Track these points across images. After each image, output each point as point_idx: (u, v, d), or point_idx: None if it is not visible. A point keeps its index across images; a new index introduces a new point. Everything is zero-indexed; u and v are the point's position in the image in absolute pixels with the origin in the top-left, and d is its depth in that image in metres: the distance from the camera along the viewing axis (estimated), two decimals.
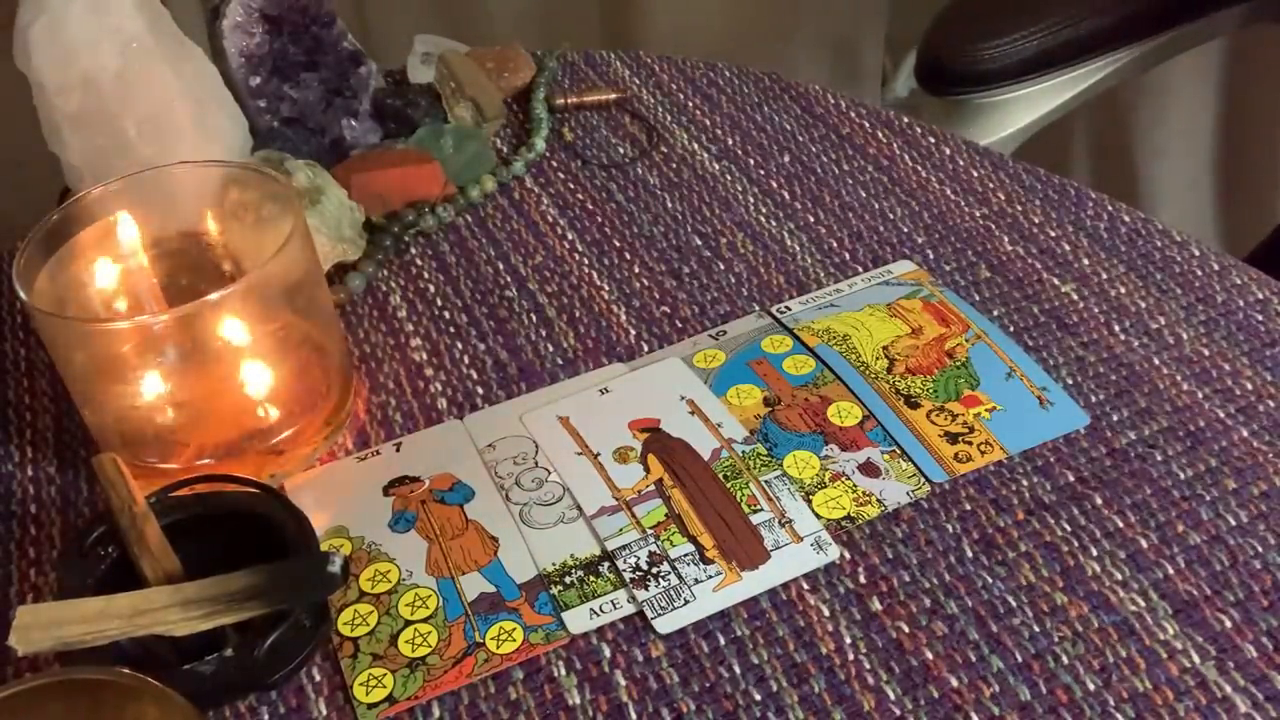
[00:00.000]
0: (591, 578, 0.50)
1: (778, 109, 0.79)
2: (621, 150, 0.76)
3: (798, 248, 0.67)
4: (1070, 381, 0.57)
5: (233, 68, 0.71)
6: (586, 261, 0.67)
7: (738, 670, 0.46)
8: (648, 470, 0.54)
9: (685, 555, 0.50)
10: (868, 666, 0.46)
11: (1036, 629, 0.46)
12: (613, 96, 0.80)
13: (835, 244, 0.67)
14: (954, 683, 0.45)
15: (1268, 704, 0.43)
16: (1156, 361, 0.57)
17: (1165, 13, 1.03)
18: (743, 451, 0.54)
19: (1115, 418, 0.55)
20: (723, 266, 0.66)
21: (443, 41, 0.83)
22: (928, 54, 1.04)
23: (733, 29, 1.34)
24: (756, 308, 0.63)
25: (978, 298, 0.62)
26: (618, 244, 0.68)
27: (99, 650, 0.43)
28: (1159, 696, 0.44)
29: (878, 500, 0.52)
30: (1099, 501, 0.51)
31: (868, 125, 0.76)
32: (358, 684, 0.47)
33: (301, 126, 0.73)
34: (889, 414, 0.55)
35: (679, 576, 0.49)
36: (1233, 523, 0.50)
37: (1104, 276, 0.62)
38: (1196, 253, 0.63)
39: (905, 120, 0.76)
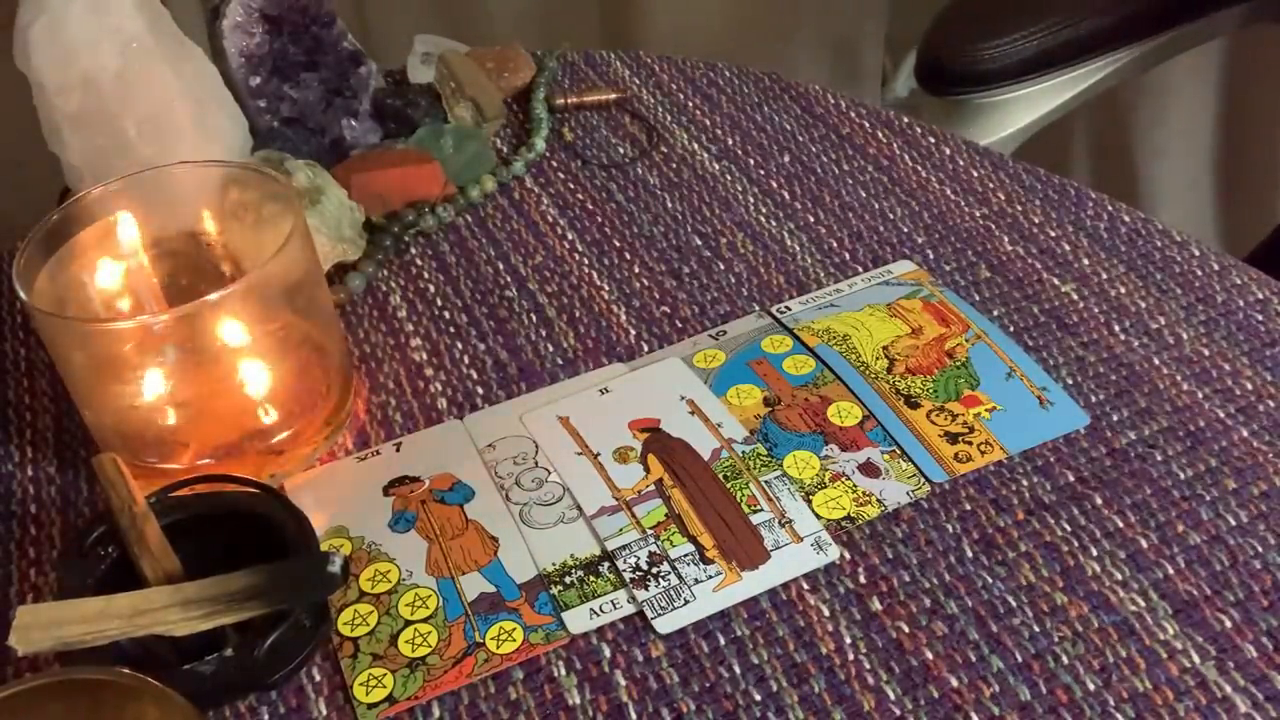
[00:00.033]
0: (591, 578, 0.50)
1: (778, 109, 0.79)
2: (621, 150, 0.76)
3: (798, 248, 0.67)
4: (1070, 381, 0.57)
5: (233, 68, 0.71)
6: (586, 261, 0.67)
7: (738, 670, 0.46)
8: (648, 470, 0.54)
9: (685, 555, 0.50)
10: (868, 666, 0.46)
11: (1036, 629, 0.46)
12: (613, 96, 0.80)
13: (835, 244, 0.67)
14: (954, 683, 0.45)
15: (1268, 704, 0.43)
16: (1156, 361, 0.57)
17: (1165, 13, 1.03)
18: (743, 451, 0.54)
19: (1115, 418, 0.55)
20: (723, 266, 0.66)
21: (443, 41, 0.83)
22: (928, 54, 1.04)
23: (733, 29, 1.34)
24: (756, 308, 0.63)
25: (978, 298, 0.62)
26: (618, 244, 0.68)
27: (99, 650, 0.43)
28: (1159, 696, 0.44)
29: (878, 500, 0.52)
30: (1099, 501, 0.51)
31: (868, 125, 0.76)
32: (358, 684, 0.47)
33: (301, 126, 0.73)
34: (889, 414, 0.55)
35: (679, 576, 0.49)
36: (1233, 523, 0.50)
37: (1104, 276, 0.62)
38: (1196, 253, 0.63)
39: (905, 120, 0.76)
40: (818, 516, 0.51)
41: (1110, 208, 0.67)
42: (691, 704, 0.45)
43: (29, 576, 0.53)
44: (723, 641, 0.47)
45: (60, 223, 0.55)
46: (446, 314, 0.65)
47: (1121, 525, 0.50)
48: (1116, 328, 0.59)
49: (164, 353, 0.53)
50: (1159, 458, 0.52)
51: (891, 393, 0.56)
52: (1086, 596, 0.47)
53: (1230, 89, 1.35)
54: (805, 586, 0.49)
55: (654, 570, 0.49)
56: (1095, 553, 0.49)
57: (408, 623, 0.49)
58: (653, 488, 0.53)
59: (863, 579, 0.49)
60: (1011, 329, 0.60)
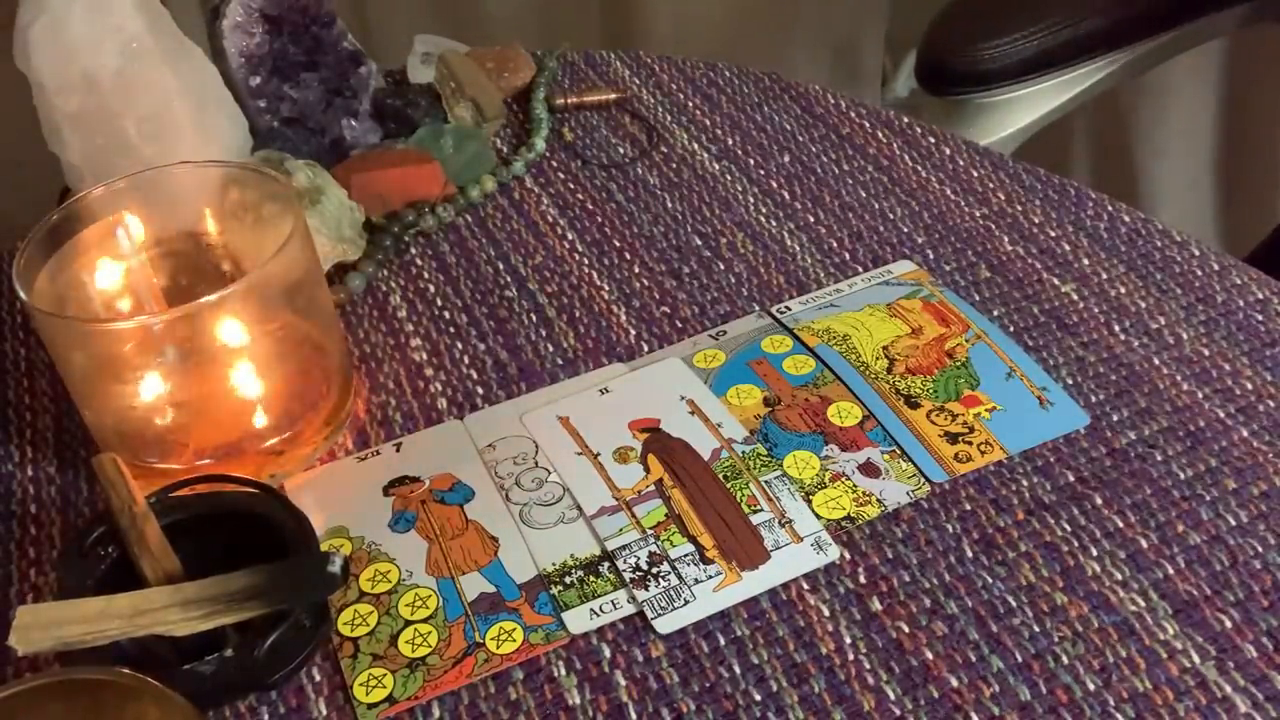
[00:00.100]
0: (591, 578, 0.50)
1: (778, 109, 0.79)
2: (621, 150, 0.76)
3: (798, 248, 0.67)
4: (1070, 381, 0.57)
5: (233, 68, 0.71)
6: (586, 261, 0.67)
7: (738, 670, 0.46)
8: (648, 470, 0.54)
9: (685, 555, 0.50)
10: (868, 666, 0.46)
11: (1036, 629, 0.46)
12: (613, 96, 0.80)
13: (835, 244, 0.67)
14: (954, 683, 0.45)
15: (1268, 704, 0.43)
16: (1156, 361, 0.57)
17: (1165, 13, 1.03)
18: (743, 451, 0.54)
19: (1115, 418, 0.55)
20: (723, 266, 0.66)
21: (443, 41, 0.83)
22: (928, 54, 1.04)
23: (733, 29, 1.34)
24: (756, 308, 0.63)
25: (978, 298, 0.62)
26: (618, 244, 0.68)
27: (99, 650, 0.43)
28: (1159, 696, 0.44)
29: (878, 500, 0.52)
30: (1099, 501, 0.51)
31: (868, 125, 0.76)
32: (358, 684, 0.47)
33: (301, 126, 0.73)
34: (889, 414, 0.55)
35: (679, 576, 0.49)
36: (1233, 523, 0.50)
37: (1104, 276, 0.62)
38: (1196, 253, 0.63)
39: (905, 120, 0.76)
40: (818, 516, 0.51)
41: (1110, 208, 0.67)
42: (691, 704, 0.45)
43: (29, 576, 0.53)
44: (723, 641, 0.47)
45: (60, 223, 0.55)
46: (446, 314, 0.65)
47: (1121, 525, 0.50)
48: (1116, 328, 0.59)
49: (164, 353, 0.53)
50: (1159, 458, 0.52)
51: (891, 393, 0.56)
52: (1086, 596, 0.47)
53: (1230, 89, 1.35)
54: (805, 586, 0.49)
55: (654, 570, 0.49)
56: (1095, 553, 0.49)
57: (408, 623, 0.49)
58: (653, 488, 0.53)
59: (863, 579, 0.49)
60: (1011, 329, 0.60)
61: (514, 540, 0.52)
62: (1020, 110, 1.04)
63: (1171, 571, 0.48)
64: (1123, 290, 0.61)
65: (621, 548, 0.50)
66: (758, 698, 0.45)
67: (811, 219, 0.69)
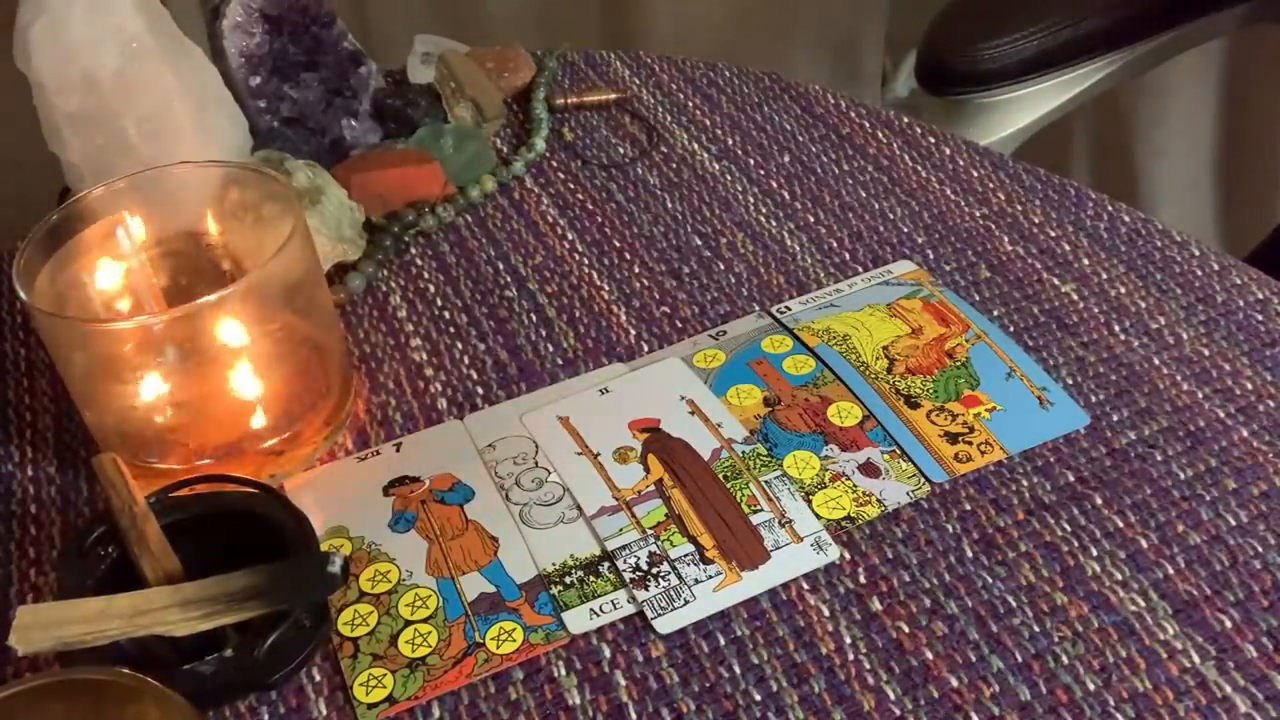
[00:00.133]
0: (591, 578, 0.50)
1: (778, 109, 0.79)
2: (621, 150, 0.76)
3: (798, 248, 0.67)
4: (1070, 381, 0.57)
5: (233, 68, 0.71)
6: (586, 261, 0.67)
7: (738, 670, 0.46)
8: (648, 470, 0.54)
9: (685, 555, 0.50)
10: (868, 666, 0.46)
11: (1036, 629, 0.46)
12: (613, 96, 0.80)
13: (835, 244, 0.67)
14: (954, 683, 0.45)
15: (1268, 704, 0.43)
16: (1156, 361, 0.57)
17: (1165, 13, 1.03)
18: (743, 451, 0.54)
19: (1115, 418, 0.55)
20: (723, 266, 0.66)
21: (443, 41, 0.83)
22: (928, 54, 1.04)
23: (733, 29, 1.34)
24: (756, 308, 0.63)
25: (978, 298, 0.62)
26: (618, 244, 0.68)
27: (99, 650, 0.43)
28: (1159, 696, 0.44)
29: (878, 500, 0.52)
30: (1099, 501, 0.51)
31: (868, 125, 0.76)
32: (358, 684, 0.47)
33: (301, 126, 0.73)
34: (889, 414, 0.55)
35: (679, 576, 0.49)
36: (1233, 523, 0.50)
37: (1104, 276, 0.62)
38: (1196, 253, 0.63)
39: (905, 120, 0.76)
40: (818, 516, 0.51)
41: (1110, 208, 0.67)
42: (691, 704, 0.45)
43: (29, 576, 0.53)
44: (723, 641, 0.47)
45: (60, 223, 0.55)
46: (446, 314, 0.65)
47: (1121, 525, 0.50)
48: (1116, 328, 0.59)
49: (164, 353, 0.53)
50: (1159, 458, 0.52)
51: (891, 393, 0.56)
52: (1086, 596, 0.47)
53: (1230, 89, 1.35)
54: (805, 586, 0.49)
55: (654, 570, 0.49)
56: (1095, 553, 0.49)
57: (408, 623, 0.49)
58: (653, 488, 0.53)
59: (863, 579, 0.49)
60: (1011, 329, 0.60)
61: (514, 540, 0.52)
62: (1020, 110, 1.04)
63: (1171, 571, 0.48)
64: (1123, 290, 0.61)
65: (621, 548, 0.51)
66: (758, 698, 0.45)
67: (811, 219, 0.69)
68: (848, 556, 0.50)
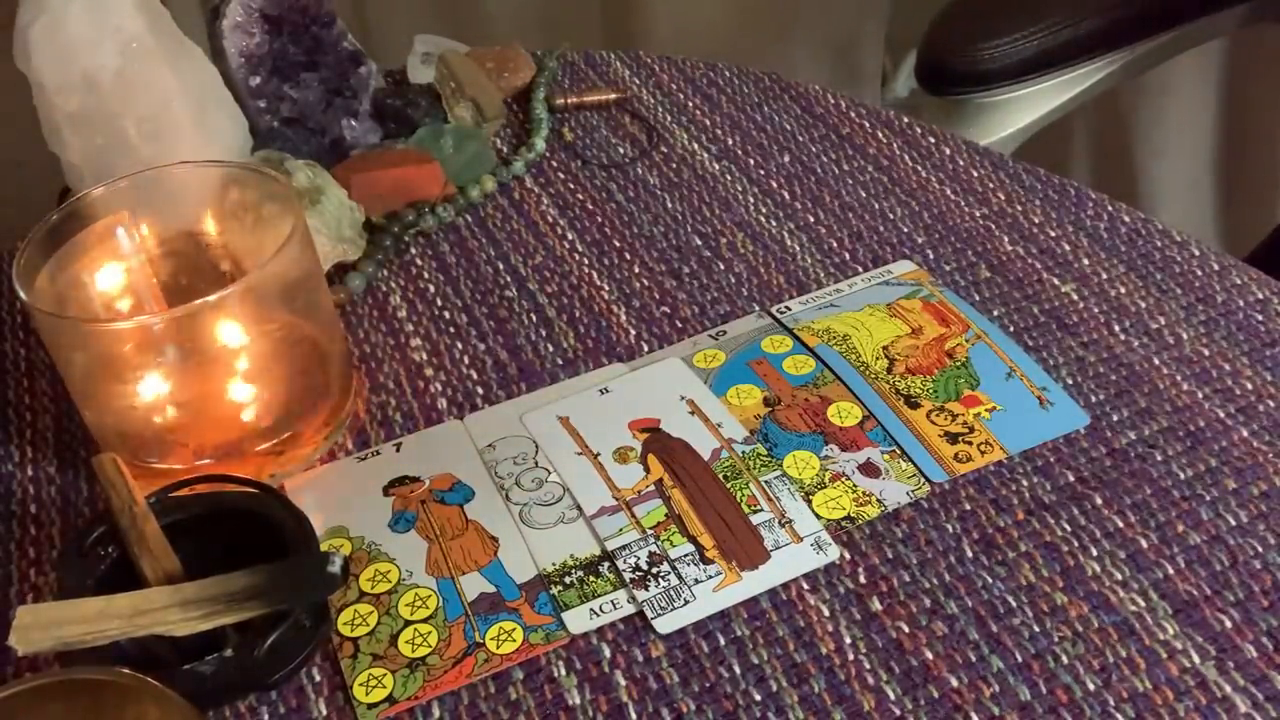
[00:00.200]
0: (591, 578, 0.50)
1: (778, 109, 0.79)
2: (621, 150, 0.76)
3: (798, 248, 0.67)
4: (1070, 381, 0.57)
5: (233, 68, 0.71)
6: (586, 261, 0.67)
7: (738, 670, 0.46)
8: (648, 470, 0.54)
9: (685, 555, 0.50)
10: (868, 666, 0.46)
11: (1036, 629, 0.46)
12: (613, 96, 0.80)
13: (835, 244, 0.67)
14: (954, 683, 0.45)
15: (1268, 704, 0.43)
16: (1156, 361, 0.57)
17: (1165, 13, 1.03)
18: (743, 451, 0.54)
19: (1115, 418, 0.55)
20: (723, 266, 0.66)
21: (443, 41, 0.83)
22: (928, 54, 1.04)
23: (733, 29, 1.34)
24: (756, 308, 0.63)
25: (978, 298, 0.62)
26: (618, 244, 0.68)
27: (99, 650, 0.43)
28: (1159, 696, 0.44)
29: (878, 500, 0.52)
30: (1099, 501, 0.51)
31: (868, 125, 0.76)
32: (358, 684, 0.47)
33: (301, 126, 0.73)
34: (889, 414, 0.55)
35: (679, 576, 0.49)
36: (1233, 523, 0.50)
37: (1104, 276, 0.62)
38: (1196, 253, 0.63)
39: (905, 120, 0.76)
40: (818, 516, 0.51)
41: (1110, 208, 0.67)
42: (691, 704, 0.45)
43: (29, 576, 0.53)
44: (723, 641, 0.47)
45: (60, 223, 0.55)
46: (446, 314, 0.65)
47: (1121, 525, 0.50)
48: (1116, 328, 0.59)
49: (164, 353, 0.53)
50: (1159, 458, 0.52)
51: (891, 393, 0.56)
52: (1086, 596, 0.47)
53: (1230, 89, 1.35)
54: (805, 586, 0.49)
55: (654, 570, 0.49)
56: (1095, 553, 0.49)
57: (408, 623, 0.49)
58: (653, 488, 0.53)
59: (863, 579, 0.49)
60: (1011, 329, 0.60)
61: (514, 540, 0.52)
62: (1020, 110, 1.04)
63: (1171, 571, 0.48)
64: (1123, 290, 0.61)
65: (621, 548, 0.50)
66: (758, 698, 0.45)
67: (811, 219, 0.69)
68: (848, 556, 0.50)
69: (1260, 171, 1.38)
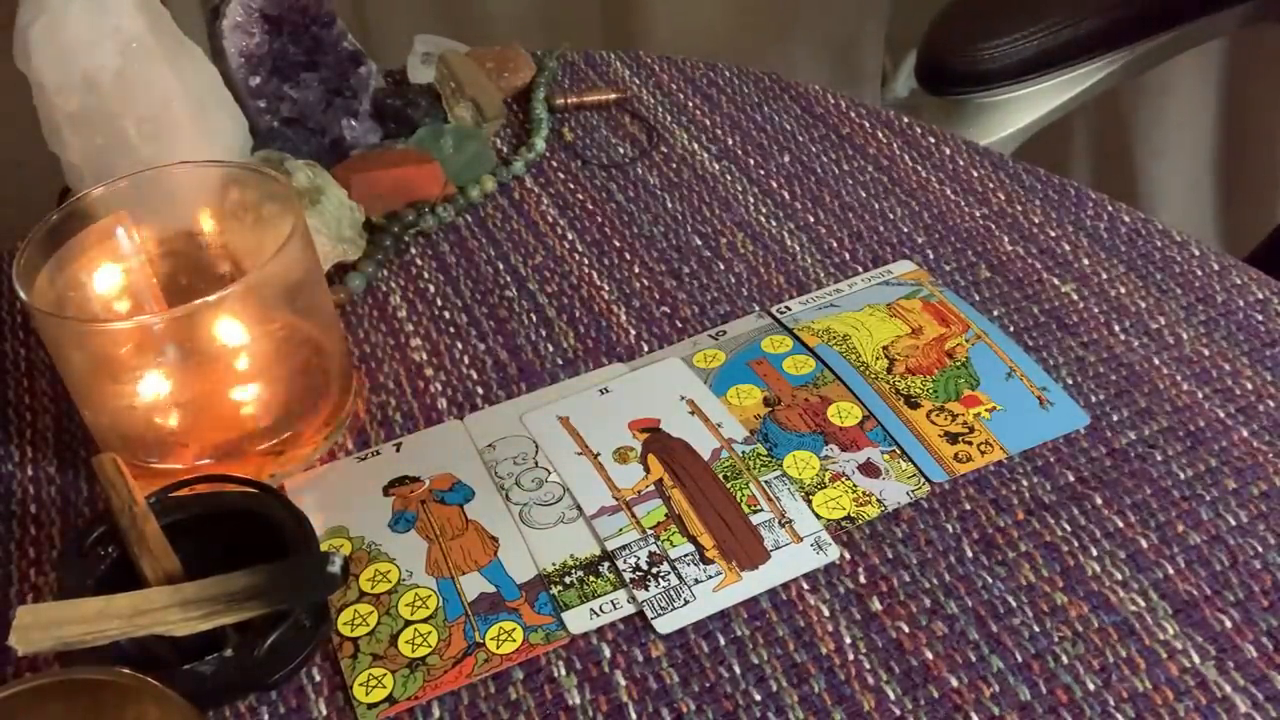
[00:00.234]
0: (591, 578, 0.50)
1: (778, 109, 0.79)
2: (621, 150, 0.76)
3: (798, 248, 0.67)
4: (1070, 381, 0.57)
5: (233, 68, 0.71)
6: (586, 261, 0.67)
7: (738, 670, 0.46)
8: (648, 470, 0.54)
9: (685, 555, 0.50)
10: (868, 666, 0.46)
11: (1036, 629, 0.46)
12: (613, 96, 0.80)
13: (835, 244, 0.67)
14: (954, 683, 0.45)
15: (1268, 704, 0.43)
16: (1156, 361, 0.57)
17: (1165, 13, 1.03)
18: (743, 451, 0.54)
19: (1115, 418, 0.55)
20: (723, 266, 0.66)
21: (443, 41, 0.83)
22: (928, 54, 1.04)
23: (733, 29, 1.34)
24: (756, 308, 0.63)
25: (978, 298, 0.62)
26: (618, 244, 0.68)
27: (99, 650, 0.43)
28: (1159, 696, 0.44)
29: (878, 500, 0.52)
30: (1099, 501, 0.51)
31: (868, 125, 0.76)
32: (358, 684, 0.47)
33: (301, 126, 0.73)
34: (889, 414, 0.55)
35: (679, 576, 0.49)
36: (1233, 523, 0.50)
37: (1104, 276, 0.62)
38: (1196, 253, 0.63)
39: (905, 120, 0.76)
40: (818, 516, 0.51)
41: (1110, 208, 0.67)
42: (691, 704, 0.45)
43: (29, 576, 0.53)
44: (723, 641, 0.47)
45: (60, 223, 0.55)
46: (446, 314, 0.65)
47: (1121, 525, 0.50)
48: (1116, 328, 0.59)
49: (164, 353, 0.53)
50: (1159, 458, 0.52)
51: (891, 393, 0.56)
52: (1086, 596, 0.47)
53: (1230, 89, 1.35)
54: (805, 586, 0.49)
55: (654, 570, 0.49)
56: (1095, 553, 0.49)
57: (408, 623, 0.49)
58: (653, 488, 0.53)
59: (863, 579, 0.49)
60: (1011, 329, 0.60)
61: (514, 540, 0.52)
62: (1020, 110, 1.04)
63: (1171, 571, 0.48)
64: (1123, 290, 0.61)
65: (621, 548, 0.50)
66: (758, 698, 0.45)
67: (811, 219, 0.69)
68: (848, 556, 0.50)
69: (1260, 171, 1.38)
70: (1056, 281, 0.62)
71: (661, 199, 0.71)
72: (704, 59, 0.85)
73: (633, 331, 0.62)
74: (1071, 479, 0.52)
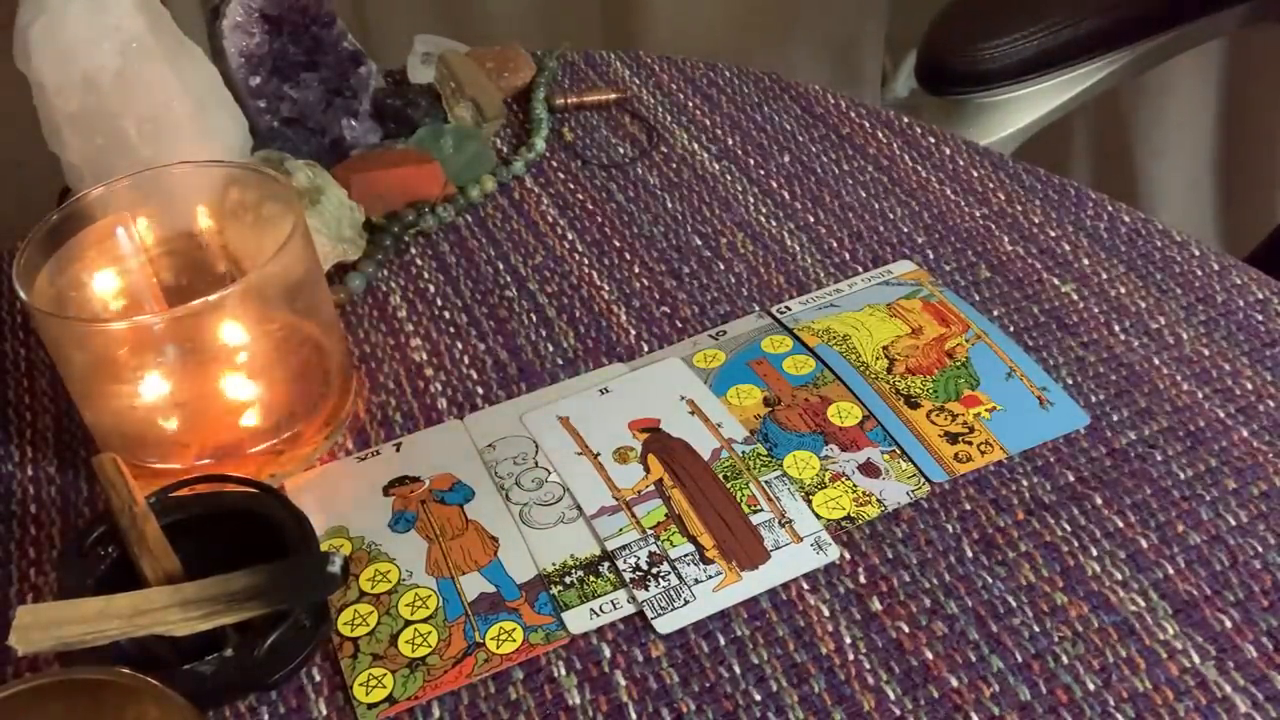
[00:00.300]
0: (591, 578, 0.50)
1: (778, 109, 0.79)
2: (621, 150, 0.76)
3: (798, 248, 0.67)
4: (1070, 381, 0.57)
5: (233, 68, 0.71)
6: (586, 261, 0.67)
7: (738, 670, 0.46)
8: (648, 470, 0.54)
9: (685, 555, 0.50)
10: (868, 666, 0.46)
11: (1036, 629, 0.46)
12: (613, 96, 0.80)
13: (835, 244, 0.67)
14: (954, 683, 0.45)
15: (1268, 704, 0.43)
16: (1156, 361, 0.57)
17: (1165, 13, 1.03)
18: (743, 451, 0.54)
19: (1115, 418, 0.55)
20: (723, 266, 0.66)
21: (443, 41, 0.83)
22: (928, 54, 1.04)
23: (733, 29, 1.34)
24: (756, 308, 0.63)
25: (978, 298, 0.62)
26: (618, 244, 0.68)
27: (99, 650, 0.43)
28: (1159, 696, 0.44)
29: (878, 500, 0.52)
30: (1099, 501, 0.51)
31: (868, 125, 0.76)
32: (358, 684, 0.47)
33: (301, 126, 0.73)
34: (889, 414, 0.55)
35: (679, 576, 0.49)
36: (1233, 523, 0.50)
37: (1104, 276, 0.62)
38: (1196, 253, 0.63)
39: (905, 120, 0.76)
40: (818, 516, 0.51)
41: (1110, 208, 0.67)
42: (691, 704, 0.45)
43: (29, 576, 0.53)
44: (723, 641, 0.47)
45: (60, 223, 0.55)
46: (446, 314, 0.65)
47: (1121, 525, 0.50)
48: (1116, 328, 0.59)
49: (164, 353, 0.53)
50: (1159, 458, 0.52)
51: (891, 393, 0.56)
52: (1086, 596, 0.47)
53: (1230, 89, 1.35)
54: (805, 586, 0.49)
55: (654, 570, 0.49)
56: (1095, 553, 0.49)
57: (408, 623, 0.49)
58: (653, 488, 0.53)
59: (863, 579, 0.49)
60: (1011, 329, 0.60)
61: (514, 540, 0.52)
62: (1020, 110, 1.04)
63: (1171, 571, 0.48)
64: (1123, 290, 0.61)
65: (621, 548, 0.50)
66: (758, 698, 0.45)
67: (811, 219, 0.69)
68: (848, 556, 0.50)
69: (1260, 171, 1.38)
70: (1056, 281, 0.62)
71: (661, 199, 0.71)
72: (704, 59, 0.85)
73: (633, 331, 0.62)
74: (1071, 479, 0.52)
